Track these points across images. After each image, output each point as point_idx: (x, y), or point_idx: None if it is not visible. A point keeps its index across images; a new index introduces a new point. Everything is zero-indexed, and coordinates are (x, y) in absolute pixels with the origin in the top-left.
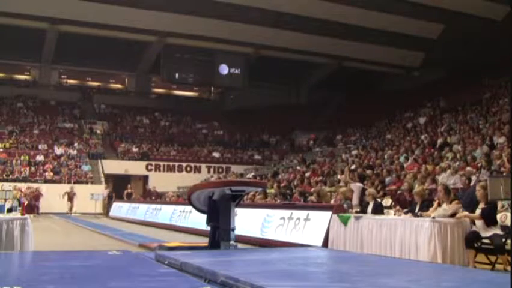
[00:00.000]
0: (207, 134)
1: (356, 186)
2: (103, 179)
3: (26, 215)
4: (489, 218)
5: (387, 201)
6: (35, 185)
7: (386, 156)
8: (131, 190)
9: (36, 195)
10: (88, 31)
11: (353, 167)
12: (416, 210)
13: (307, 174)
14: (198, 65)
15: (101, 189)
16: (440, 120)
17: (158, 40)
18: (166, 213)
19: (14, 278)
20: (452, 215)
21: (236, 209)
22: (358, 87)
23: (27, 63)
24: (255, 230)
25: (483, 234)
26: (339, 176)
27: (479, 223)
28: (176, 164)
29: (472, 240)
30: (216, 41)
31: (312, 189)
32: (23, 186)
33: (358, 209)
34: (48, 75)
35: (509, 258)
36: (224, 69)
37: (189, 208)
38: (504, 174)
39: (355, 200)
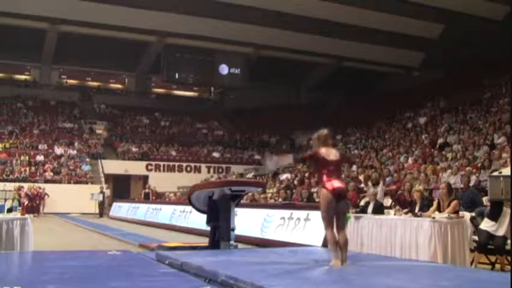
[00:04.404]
0: (207, 134)
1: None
2: (103, 179)
3: (26, 215)
4: None
5: (387, 201)
6: (38, 185)
7: (386, 156)
8: (148, 190)
9: (40, 195)
10: (88, 31)
11: (353, 167)
12: (416, 210)
13: (307, 174)
14: (198, 65)
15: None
16: (440, 120)
17: (158, 40)
18: (166, 213)
19: (14, 278)
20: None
21: (236, 209)
22: (358, 87)
23: (27, 63)
24: (255, 230)
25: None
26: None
27: (490, 224)
28: (176, 164)
29: (485, 244)
30: (216, 41)
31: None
32: (25, 186)
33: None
34: (48, 75)
35: (509, 258)
36: (224, 69)
37: (189, 208)
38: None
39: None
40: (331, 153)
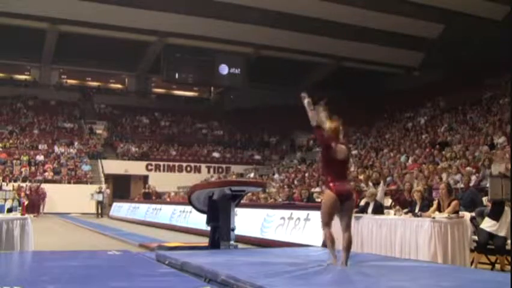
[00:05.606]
0: (207, 134)
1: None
2: (103, 179)
3: (26, 215)
4: None
5: (387, 201)
6: (37, 184)
7: (386, 156)
8: (148, 190)
9: (41, 194)
10: (88, 31)
11: (353, 167)
12: (416, 210)
13: (307, 174)
14: (198, 65)
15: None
16: (440, 120)
17: (158, 40)
18: (166, 213)
19: (14, 278)
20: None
21: (236, 209)
22: (358, 87)
23: (27, 63)
24: (255, 230)
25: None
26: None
27: (491, 223)
28: (176, 164)
29: (485, 244)
30: (216, 41)
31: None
32: (25, 185)
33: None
34: (48, 75)
35: (509, 258)
36: (224, 69)
37: (189, 208)
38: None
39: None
40: (341, 151)
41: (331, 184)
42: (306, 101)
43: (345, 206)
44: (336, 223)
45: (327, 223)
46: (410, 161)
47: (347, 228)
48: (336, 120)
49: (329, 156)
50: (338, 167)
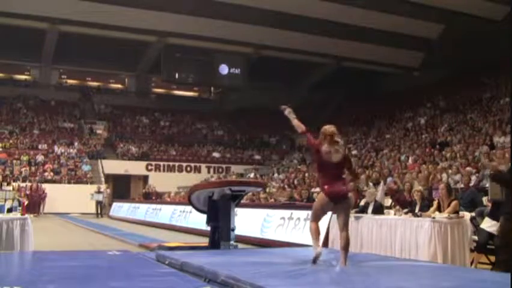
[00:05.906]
0: (207, 134)
1: None
2: (103, 179)
3: (26, 215)
4: None
5: (387, 201)
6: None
7: (386, 156)
8: (149, 190)
9: (41, 194)
10: (88, 31)
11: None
12: (416, 210)
13: (307, 174)
14: (198, 65)
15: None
16: (440, 120)
17: (158, 40)
18: (166, 213)
19: (14, 278)
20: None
21: (236, 209)
22: (358, 87)
23: (27, 63)
24: (255, 230)
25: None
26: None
27: (491, 224)
28: (176, 164)
29: (485, 244)
30: (216, 41)
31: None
32: (25, 185)
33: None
34: (48, 75)
35: None
36: (224, 69)
37: (189, 208)
38: None
39: None
40: (334, 154)
41: (325, 186)
42: (286, 111)
43: (340, 207)
44: (336, 223)
45: (314, 220)
46: (410, 161)
47: (344, 227)
48: (331, 126)
49: (321, 159)
50: (332, 169)
